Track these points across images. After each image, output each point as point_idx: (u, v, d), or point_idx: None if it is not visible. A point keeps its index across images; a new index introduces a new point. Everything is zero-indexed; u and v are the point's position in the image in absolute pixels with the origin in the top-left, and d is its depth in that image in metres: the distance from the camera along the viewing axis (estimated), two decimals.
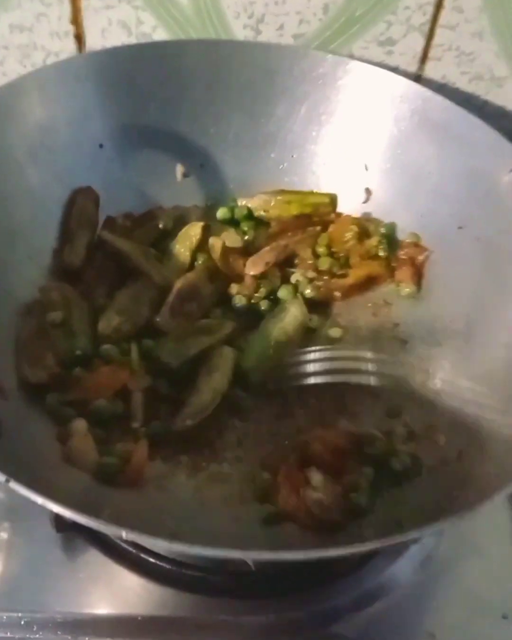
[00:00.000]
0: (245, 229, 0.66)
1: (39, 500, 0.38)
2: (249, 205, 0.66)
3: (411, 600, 0.53)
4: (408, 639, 0.51)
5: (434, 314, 0.60)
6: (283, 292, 0.62)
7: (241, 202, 0.67)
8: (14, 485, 0.38)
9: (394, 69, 0.71)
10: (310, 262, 0.64)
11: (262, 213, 0.66)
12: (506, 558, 0.56)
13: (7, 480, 0.38)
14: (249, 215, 0.67)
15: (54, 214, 0.62)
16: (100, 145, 0.64)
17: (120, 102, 0.64)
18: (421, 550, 0.55)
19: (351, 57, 0.70)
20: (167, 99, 0.65)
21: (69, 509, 0.37)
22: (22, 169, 0.59)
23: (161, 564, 0.52)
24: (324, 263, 0.64)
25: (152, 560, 0.52)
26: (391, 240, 0.65)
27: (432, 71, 0.72)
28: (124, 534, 0.37)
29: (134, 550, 0.52)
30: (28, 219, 0.59)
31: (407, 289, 0.63)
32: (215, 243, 0.63)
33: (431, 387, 0.55)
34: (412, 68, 0.71)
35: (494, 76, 0.71)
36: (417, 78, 0.72)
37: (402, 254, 0.64)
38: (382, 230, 0.65)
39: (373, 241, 0.64)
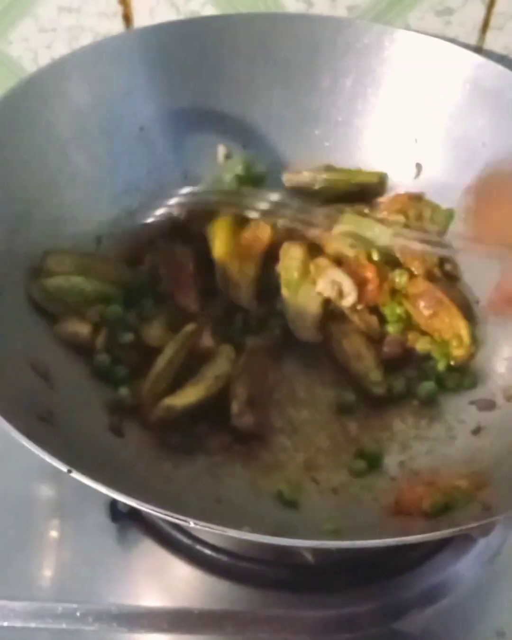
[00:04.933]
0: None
1: (104, 489, 0.36)
2: (295, 182, 0.64)
3: (479, 597, 0.50)
4: (475, 637, 0.49)
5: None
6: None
7: (285, 179, 0.65)
8: (76, 476, 0.37)
9: (453, 40, 0.67)
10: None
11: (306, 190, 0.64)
12: None
13: (70, 471, 0.37)
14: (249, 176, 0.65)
15: (97, 199, 0.60)
16: (141, 128, 0.62)
17: (161, 81, 0.62)
18: (488, 547, 0.52)
19: (408, 28, 0.67)
20: (208, 77, 0.63)
21: (134, 498, 0.36)
22: (66, 151, 0.58)
23: (218, 556, 0.51)
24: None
25: (208, 552, 0.51)
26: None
27: (493, 41, 0.68)
28: (191, 523, 0.35)
29: (189, 542, 0.51)
30: (72, 205, 0.58)
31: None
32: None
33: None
34: (472, 38, 0.68)
35: None
36: (478, 49, 0.68)
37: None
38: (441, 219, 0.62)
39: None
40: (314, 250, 0.59)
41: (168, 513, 0.35)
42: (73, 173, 0.58)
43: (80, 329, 0.52)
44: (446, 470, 0.47)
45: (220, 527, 0.35)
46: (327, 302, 0.57)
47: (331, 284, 0.56)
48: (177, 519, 0.35)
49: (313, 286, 0.57)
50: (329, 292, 0.56)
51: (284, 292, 0.57)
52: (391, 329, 0.57)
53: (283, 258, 0.59)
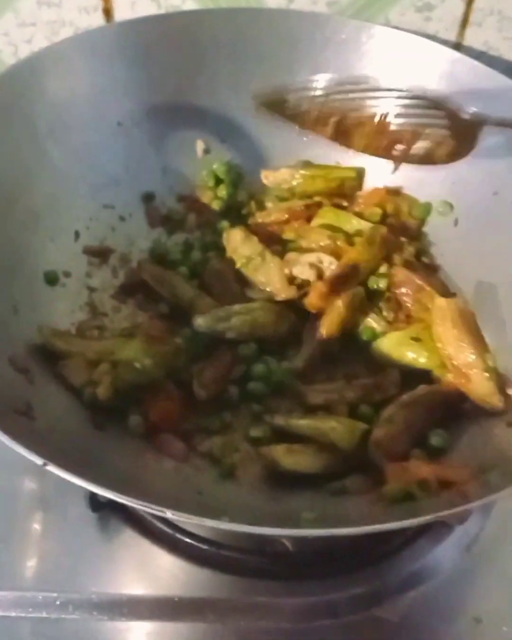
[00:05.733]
0: (223, 194, 0.65)
1: (78, 481, 0.37)
2: (273, 179, 0.65)
3: (456, 583, 0.51)
4: (453, 623, 0.50)
5: (472, 284, 0.58)
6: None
7: (264, 176, 0.65)
8: (51, 468, 0.37)
9: (433, 36, 0.68)
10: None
11: (285, 187, 0.65)
12: None
13: (45, 464, 0.37)
14: (224, 178, 0.66)
15: (75, 193, 0.60)
16: (119, 123, 0.63)
17: (140, 75, 0.62)
18: (466, 534, 0.53)
19: (388, 24, 0.67)
20: (186, 72, 0.64)
21: (111, 490, 0.36)
22: (42, 146, 0.58)
23: (198, 544, 0.51)
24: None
25: (188, 540, 0.51)
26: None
27: (472, 37, 0.69)
28: (169, 514, 0.35)
29: (170, 531, 0.51)
30: (49, 199, 0.58)
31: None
32: None
33: None
34: (452, 34, 0.69)
35: None
36: (458, 45, 0.69)
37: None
38: (418, 213, 0.63)
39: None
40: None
41: (143, 503, 0.35)
42: (50, 167, 0.58)
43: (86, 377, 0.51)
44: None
45: (197, 517, 0.35)
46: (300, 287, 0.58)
47: (307, 266, 0.57)
48: (153, 509, 0.35)
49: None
50: (307, 274, 0.57)
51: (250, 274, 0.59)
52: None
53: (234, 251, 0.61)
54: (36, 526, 0.53)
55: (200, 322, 0.54)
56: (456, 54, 0.62)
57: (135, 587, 0.50)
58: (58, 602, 0.47)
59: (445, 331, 0.52)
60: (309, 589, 0.49)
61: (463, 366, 0.50)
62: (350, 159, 0.66)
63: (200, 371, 0.52)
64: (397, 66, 0.63)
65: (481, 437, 0.48)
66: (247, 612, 0.48)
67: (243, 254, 0.60)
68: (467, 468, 0.43)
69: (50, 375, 0.50)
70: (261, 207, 0.66)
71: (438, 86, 0.61)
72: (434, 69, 0.62)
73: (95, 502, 0.51)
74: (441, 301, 0.53)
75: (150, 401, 0.51)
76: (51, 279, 0.56)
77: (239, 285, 0.60)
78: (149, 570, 0.51)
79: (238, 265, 0.60)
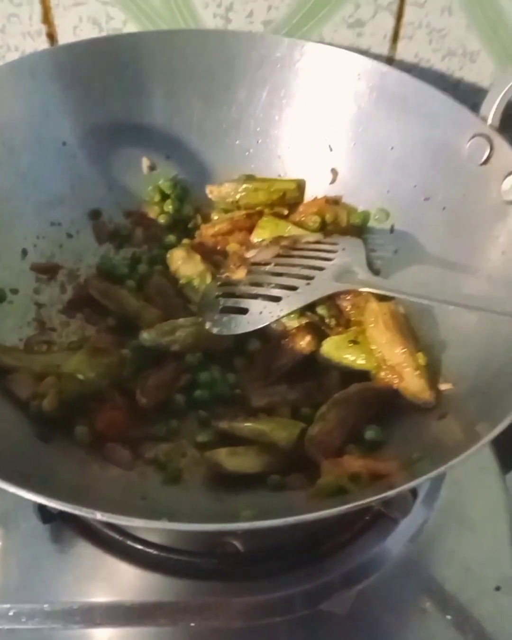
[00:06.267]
0: (169, 208, 0.67)
1: (13, 489, 0.37)
2: (217, 194, 0.67)
3: (402, 575, 0.52)
4: (400, 614, 0.51)
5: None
6: None
7: (209, 191, 0.67)
8: None
9: (366, 51, 0.71)
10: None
11: (229, 201, 0.67)
12: (497, 530, 0.55)
13: None
14: (170, 193, 0.67)
15: (20, 213, 0.61)
16: (64, 143, 0.64)
17: (79, 98, 0.64)
18: (411, 525, 0.54)
19: (322, 41, 0.70)
20: (126, 92, 0.65)
21: (37, 494, 0.37)
22: None
23: (149, 550, 0.52)
24: None
25: (139, 547, 0.52)
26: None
27: (404, 51, 0.71)
28: (98, 515, 0.36)
29: (120, 538, 0.52)
30: None
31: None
32: None
33: None
34: (384, 48, 0.71)
35: (466, 51, 0.71)
36: (390, 59, 0.72)
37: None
38: (357, 221, 0.65)
39: None
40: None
41: (71, 506, 0.36)
42: None
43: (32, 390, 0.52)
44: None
45: (125, 517, 0.36)
46: None
47: None
48: (82, 511, 0.36)
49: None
50: None
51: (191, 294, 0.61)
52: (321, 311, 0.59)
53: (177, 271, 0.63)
54: None
55: (145, 336, 0.55)
56: (385, 67, 0.64)
57: (88, 594, 0.51)
58: (11, 613, 0.48)
59: (378, 333, 0.54)
60: (259, 587, 0.51)
61: (396, 365, 0.52)
62: (291, 171, 0.69)
63: (144, 379, 0.54)
64: (329, 81, 0.65)
65: (414, 430, 0.50)
66: (198, 613, 0.49)
67: (184, 274, 0.62)
68: (397, 460, 0.44)
69: None
70: (207, 220, 0.68)
71: (369, 98, 0.64)
72: (364, 83, 0.64)
73: (46, 514, 0.52)
74: (372, 305, 0.55)
75: (96, 411, 0.52)
76: None
77: (181, 300, 0.61)
78: (101, 577, 0.51)
79: (180, 283, 0.62)
